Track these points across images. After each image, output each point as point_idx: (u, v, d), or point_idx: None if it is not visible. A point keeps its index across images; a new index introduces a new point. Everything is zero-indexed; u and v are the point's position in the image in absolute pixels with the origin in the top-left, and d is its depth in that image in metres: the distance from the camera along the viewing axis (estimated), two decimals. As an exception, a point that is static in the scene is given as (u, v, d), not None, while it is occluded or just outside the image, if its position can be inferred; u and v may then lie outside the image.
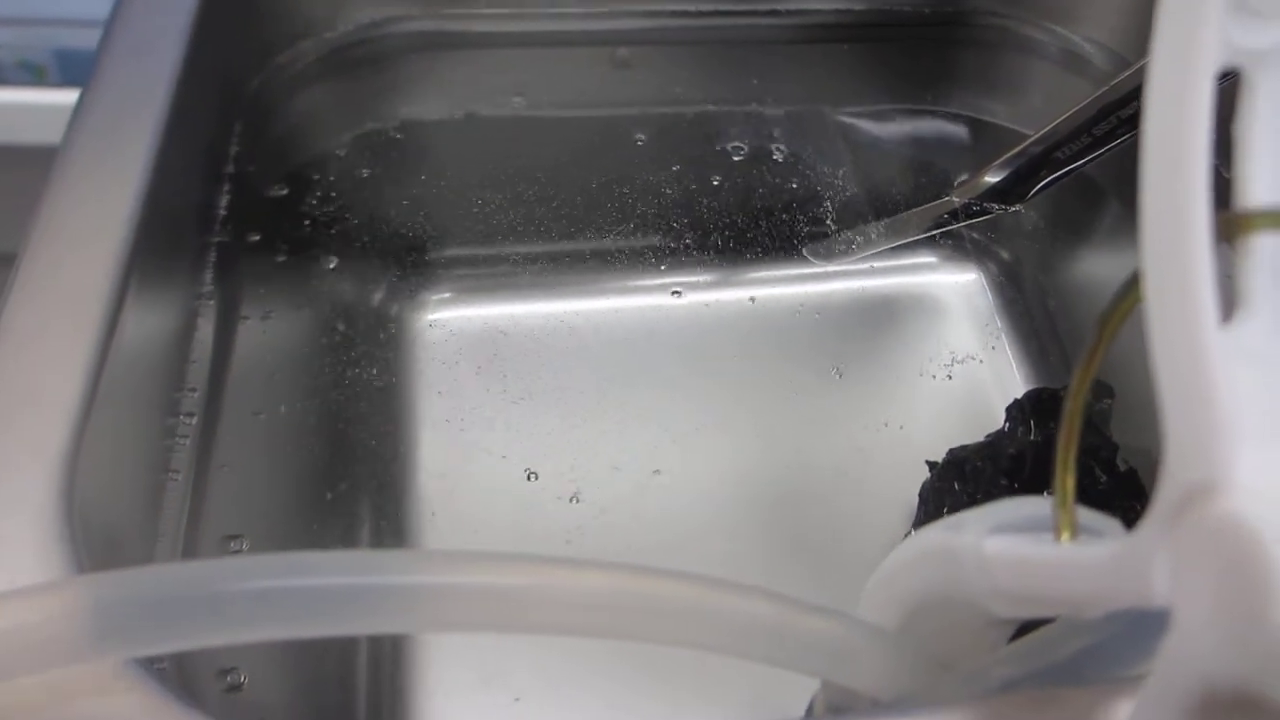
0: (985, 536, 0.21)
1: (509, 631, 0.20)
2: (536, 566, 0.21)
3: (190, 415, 0.31)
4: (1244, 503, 0.15)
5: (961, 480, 0.41)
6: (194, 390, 0.31)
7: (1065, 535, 0.21)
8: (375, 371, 0.46)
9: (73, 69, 0.80)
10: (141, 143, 0.31)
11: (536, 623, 0.20)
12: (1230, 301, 0.18)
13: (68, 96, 0.80)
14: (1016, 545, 0.21)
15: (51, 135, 0.88)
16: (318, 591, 0.19)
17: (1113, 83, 0.35)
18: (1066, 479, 0.21)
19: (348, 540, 0.40)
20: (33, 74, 0.81)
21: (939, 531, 0.23)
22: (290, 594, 0.19)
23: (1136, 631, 0.21)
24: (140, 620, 0.19)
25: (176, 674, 0.24)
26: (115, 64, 0.35)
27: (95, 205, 0.29)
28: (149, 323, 0.30)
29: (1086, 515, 0.21)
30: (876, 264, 0.51)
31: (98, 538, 0.24)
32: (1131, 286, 0.19)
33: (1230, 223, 0.17)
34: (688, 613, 0.21)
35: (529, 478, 0.44)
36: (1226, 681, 0.15)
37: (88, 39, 0.81)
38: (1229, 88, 0.17)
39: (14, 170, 0.77)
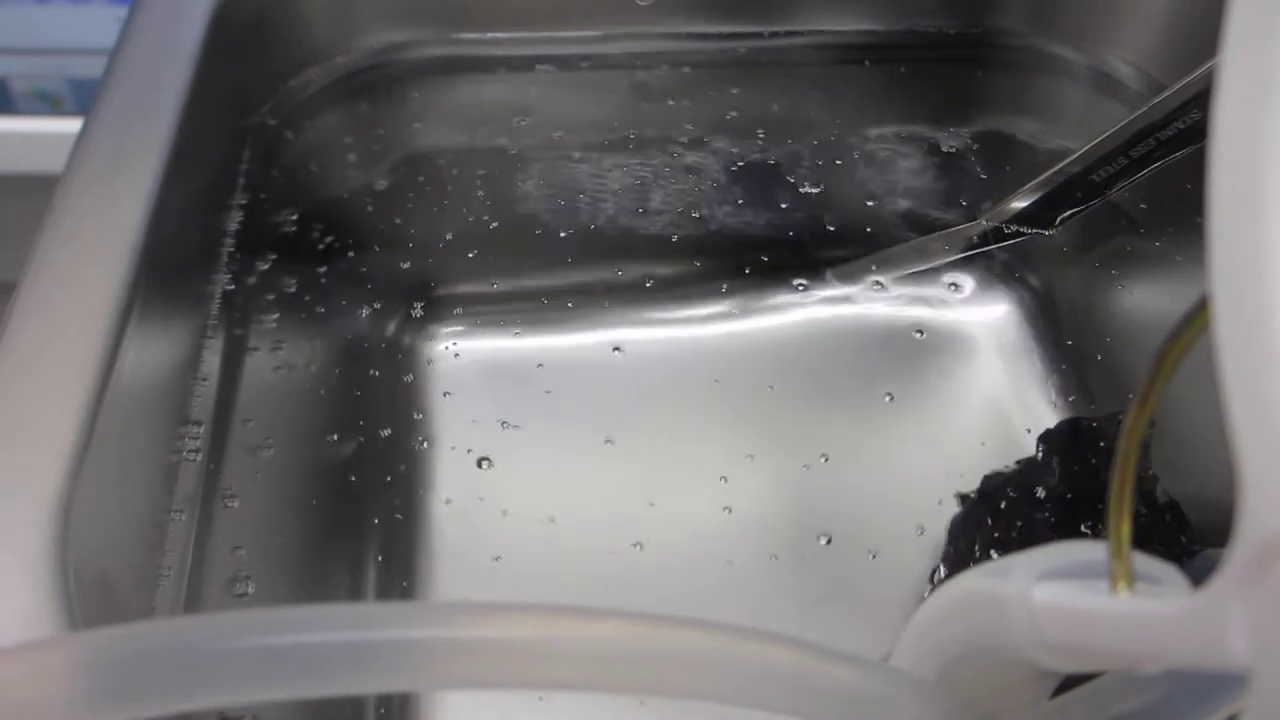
0: (1033, 584, 0.20)
1: (522, 688, 0.19)
2: (548, 618, 0.19)
3: (195, 451, 0.30)
4: (1334, 556, 0.14)
5: (994, 514, 0.40)
6: (199, 424, 0.30)
7: (1122, 585, 0.19)
8: (386, 404, 0.45)
9: (87, 98, 0.80)
10: (146, 170, 0.31)
11: (550, 678, 0.19)
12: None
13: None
14: (1068, 595, 0.19)
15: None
16: (321, 648, 0.18)
17: (1151, 103, 0.33)
18: (1122, 524, 0.19)
19: (356, 577, 0.39)
20: (47, 103, 0.81)
21: (982, 578, 0.21)
22: (291, 651, 0.18)
23: (1200, 690, 0.19)
24: (135, 680, 0.18)
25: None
26: (121, 90, 0.34)
27: (97, 233, 0.29)
28: (152, 355, 0.29)
29: (1143, 562, 0.19)
30: (904, 290, 0.50)
31: (93, 584, 0.22)
32: (1194, 318, 0.17)
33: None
34: (707, 663, 0.20)
35: (544, 511, 0.43)
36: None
37: (101, 68, 0.81)
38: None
39: (28, 199, 0.77)
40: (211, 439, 0.31)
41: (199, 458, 0.30)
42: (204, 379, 0.32)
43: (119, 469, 0.26)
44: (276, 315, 0.37)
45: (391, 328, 0.47)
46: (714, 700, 0.20)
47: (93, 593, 0.22)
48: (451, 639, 0.19)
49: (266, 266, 0.38)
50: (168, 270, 0.30)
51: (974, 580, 0.22)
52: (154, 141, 0.31)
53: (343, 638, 0.18)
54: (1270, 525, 0.15)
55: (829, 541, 0.43)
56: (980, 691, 0.23)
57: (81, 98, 0.81)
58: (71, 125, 0.79)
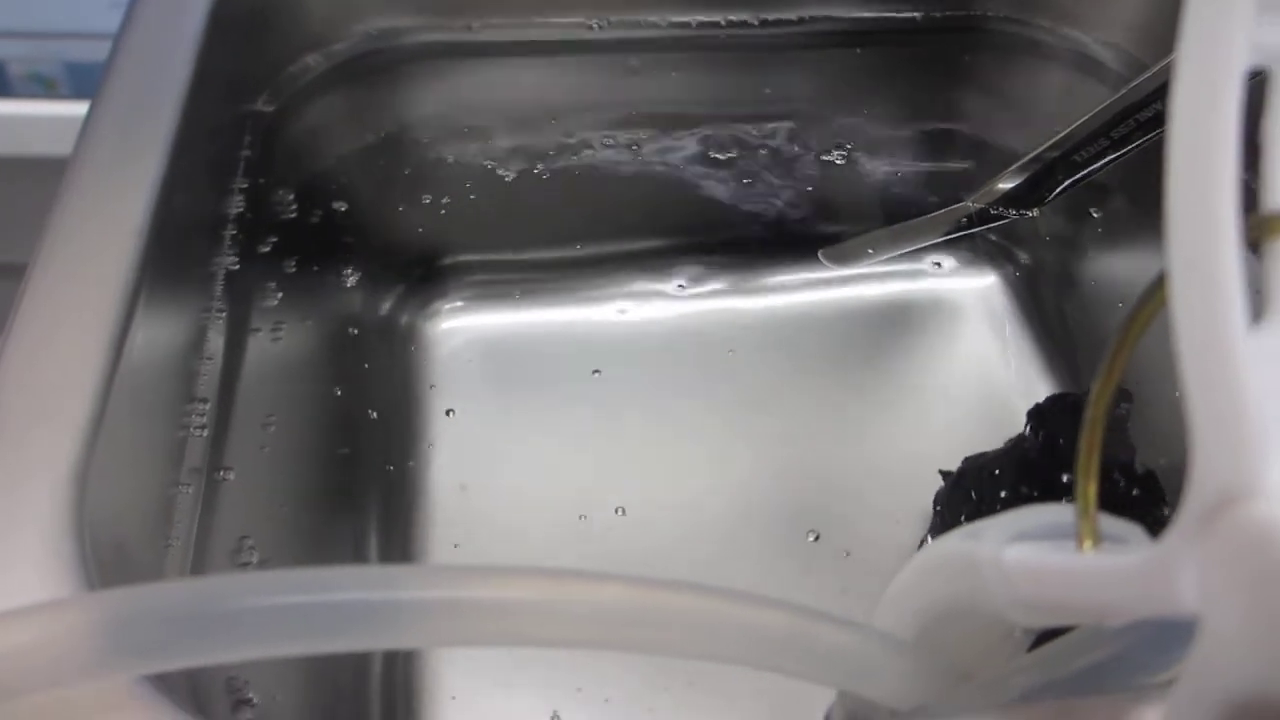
0: (1005, 545, 0.21)
1: (525, 645, 0.20)
2: (550, 580, 0.20)
3: (201, 427, 0.30)
4: (1276, 509, 0.15)
5: (978, 487, 0.41)
6: (204, 401, 0.31)
7: (1088, 543, 0.20)
8: (386, 381, 0.46)
9: (83, 81, 0.81)
10: (151, 155, 0.31)
11: (551, 636, 0.20)
12: (1257, 306, 0.17)
13: (78, 108, 0.80)
14: (1037, 554, 0.20)
15: (62, 147, 0.88)
16: (328, 607, 0.19)
17: (1130, 85, 0.34)
18: (1089, 487, 0.21)
19: (358, 549, 0.40)
20: (43, 86, 0.81)
21: (957, 540, 0.22)
22: (301, 610, 0.19)
23: (1160, 640, 0.20)
24: (150, 637, 0.19)
25: (188, 691, 0.23)
26: (124, 76, 0.35)
27: (105, 217, 0.29)
28: (159, 335, 0.29)
29: (1109, 523, 0.20)
30: (893, 268, 0.51)
31: (108, 549, 0.23)
32: (1155, 291, 0.18)
33: (1257, 225, 0.17)
34: (702, 624, 0.21)
35: (543, 487, 0.44)
36: (1255, 692, 0.15)
37: (98, 52, 0.81)
38: (1255, 88, 0.17)
39: (25, 181, 0.78)
40: (217, 415, 0.32)
41: (205, 433, 0.31)
42: (209, 358, 0.33)
43: (130, 443, 0.26)
44: (278, 295, 0.38)
45: (388, 305, 0.48)
46: (705, 659, 0.22)
47: (107, 558, 0.23)
48: (452, 599, 0.20)
49: (267, 248, 0.39)
50: (173, 253, 0.31)
51: (949, 544, 0.23)
52: (158, 127, 0.32)
53: (352, 597, 0.19)
54: (1215, 484, 0.16)
55: (823, 512, 0.44)
56: (958, 650, 0.24)
57: (77, 81, 0.81)
58: (67, 108, 0.79)
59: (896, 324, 0.50)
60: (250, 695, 0.27)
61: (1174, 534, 0.16)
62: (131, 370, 0.27)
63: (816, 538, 0.43)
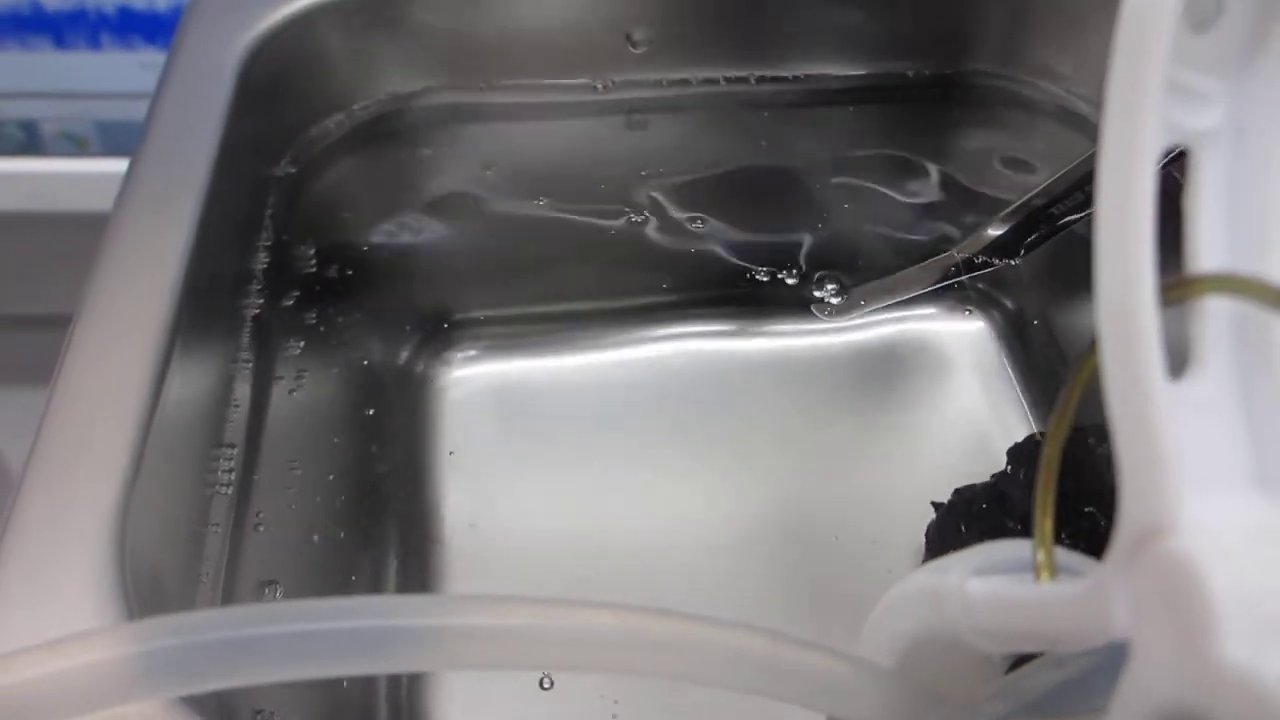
0: (968, 578, 0.23)
1: (523, 668, 0.22)
2: (545, 608, 0.22)
3: (230, 470, 0.33)
4: (1190, 542, 0.17)
5: (967, 521, 0.42)
6: (233, 447, 0.33)
7: (1044, 575, 0.22)
8: (403, 428, 0.48)
9: (113, 139, 0.83)
10: (184, 214, 0.34)
11: (547, 660, 0.22)
12: (1185, 358, 0.19)
13: (108, 165, 0.83)
14: (997, 586, 0.22)
15: (92, 203, 0.91)
16: (345, 634, 0.21)
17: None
18: (1045, 522, 0.22)
19: (377, 586, 0.42)
20: (74, 144, 0.84)
21: (927, 574, 0.24)
22: (320, 637, 0.21)
23: (1113, 665, 0.22)
24: (184, 662, 0.21)
25: (216, 711, 0.25)
26: (159, 139, 0.37)
27: (142, 273, 0.32)
28: (192, 384, 0.32)
29: (1065, 556, 0.22)
30: (883, 315, 0.53)
31: (145, 582, 0.25)
32: (1092, 348, 0.20)
33: (1181, 286, 0.19)
34: (689, 648, 0.23)
35: (551, 525, 0.46)
36: (1177, 708, 0.16)
37: (127, 110, 0.84)
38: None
39: (57, 236, 0.80)
40: (244, 460, 0.34)
41: (233, 475, 0.33)
42: (236, 405, 0.35)
43: (165, 484, 0.29)
44: (300, 345, 0.40)
45: (405, 355, 0.50)
46: (691, 681, 0.23)
47: (145, 590, 0.25)
48: (459, 626, 0.21)
49: (290, 302, 0.41)
50: (204, 306, 0.33)
51: (920, 577, 0.25)
52: (191, 189, 0.35)
53: (366, 624, 0.21)
54: (1138, 521, 0.17)
55: (818, 548, 0.46)
56: (935, 675, 0.26)
57: (107, 139, 0.83)
58: (98, 165, 0.82)
59: (887, 367, 0.52)
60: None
61: (1108, 564, 0.18)
62: (167, 416, 0.29)
63: (815, 573, 0.45)
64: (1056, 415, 0.22)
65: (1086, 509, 0.39)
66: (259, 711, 0.28)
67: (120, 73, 0.80)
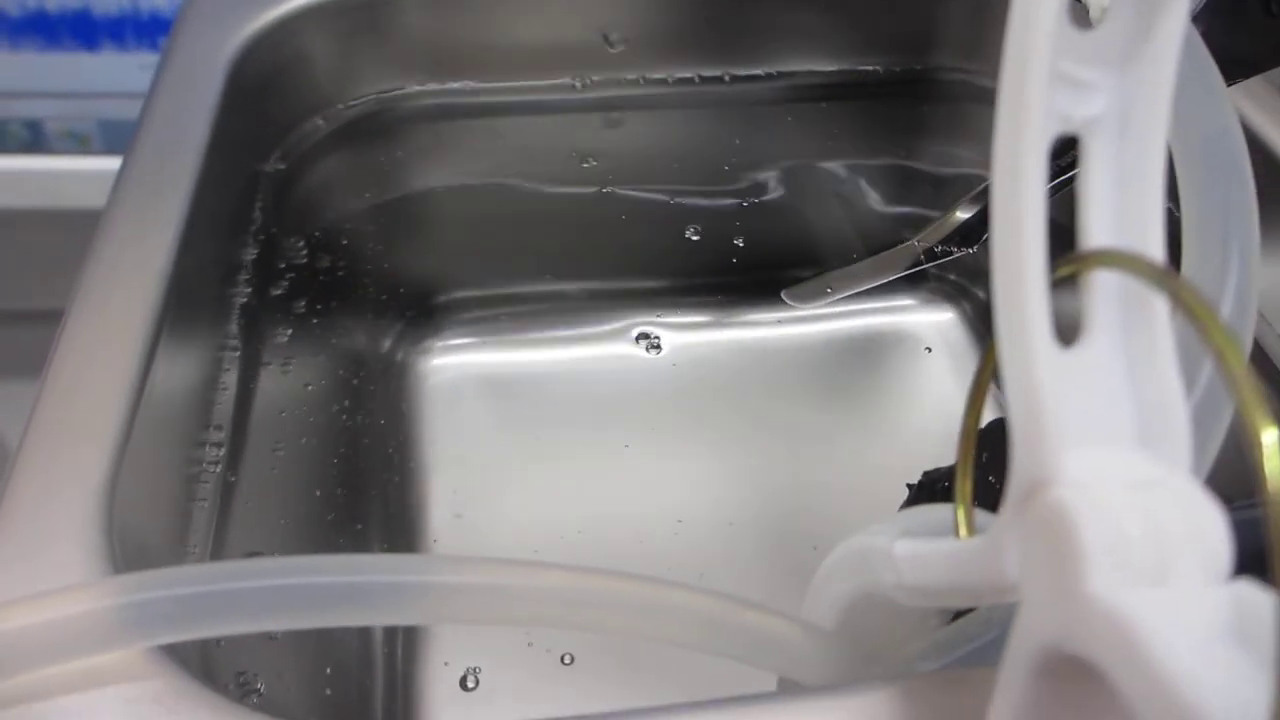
0: (895, 540, 0.25)
1: (489, 624, 0.23)
2: (511, 568, 0.24)
3: (218, 444, 0.34)
4: (1067, 494, 0.18)
5: (933, 500, 0.44)
6: (220, 428, 0.35)
7: (964, 533, 0.24)
8: (385, 412, 0.49)
9: (115, 138, 0.85)
10: (174, 208, 0.35)
11: (512, 616, 0.24)
12: (1078, 327, 0.21)
13: (110, 163, 0.85)
14: (919, 545, 0.24)
15: (95, 200, 0.93)
16: (319, 588, 0.23)
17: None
18: (964, 484, 0.24)
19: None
20: (77, 143, 0.86)
21: (859, 539, 0.26)
22: (296, 590, 0.23)
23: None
24: (164, 613, 0.23)
25: (200, 669, 0.27)
26: (151, 136, 0.39)
27: (133, 263, 0.33)
28: (180, 369, 0.33)
29: (983, 517, 0.24)
30: (859, 305, 0.55)
31: (133, 553, 0.27)
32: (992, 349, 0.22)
33: (1076, 262, 0.21)
34: (637, 606, 0.25)
35: (534, 509, 0.48)
36: (1058, 643, 0.18)
37: (128, 110, 0.86)
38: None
39: (60, 233, 0.82)
40: (231, 441, 0.36)
41: (221, 452, 0.34)
42: (224, 389, 0.37)
43: (153, 462, 0.30)
44: (288, 333, 0.42)
45: (388, 343, 0.52)
46: (641, 638, 0.25)
47: (133, 560, 0.27)
48: (434, 582, 0.23)
49: (279, 291, 0.43)
50: (193, 295, 0.35)
51: (855, 541, 0.26)
52: (180, 183, 0.36)
53: (340, 580, 0.23)
54: (1025, 475, 0.19)
55: (799, 531, 0.48)
56: (871, 635, 0.28)
57: (109, 137, 0.85)
58: (100, 163, 0.84)
59: (864, 356, 0.54)
60: (259, 686, 0.31)
61: (1001, 517, 0.20)
62: (155, 398, 0.31)
63: (793, 552, 0.46)
64: (973, 389, 0.24)
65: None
66: (241, 673, 0.29)
67: (122, 73, 0.82)
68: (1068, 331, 0.21)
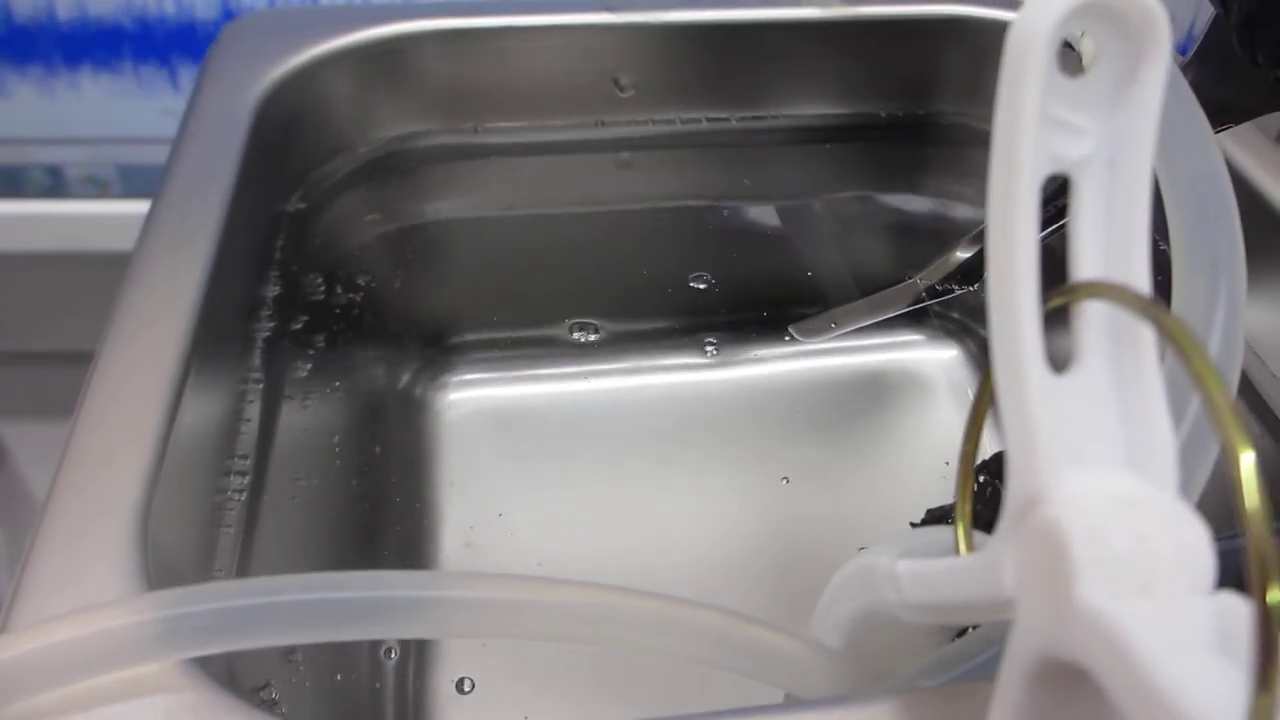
0: (897, 559, 0.26)
1: (501, 636, 0.24)
2: (526, 584, 0.25)
3: (242, 475, 0.35)
4: (1060, 510, 0.19)
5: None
6: (245, 458, 0.36)
7: (964, 550, 0.25)
8: (401, 445, 0.50)
9: (134, 182, 0.87)
10: (202, 248, 0.37)
11: (524, 630, 0.25)
12: (1070, 354, 0.22)
13: (129, 207, 0.87)
14: (920, 564, 0.25)
15: (115, 244, 0.95)
16: (340, 603, 0.24)
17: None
18: (964, 505, 0.25)
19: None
20: (97, 188, 0.87)
21: (864, 558, 0.27)
22: (318, 605, 0.24)
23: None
24: (197, 627, 0.24)
25: (227, 680, 0.28)
26: (180, 178, 0.40)
27: (164, 300, 0.35)
28: (207, 400, 0.35)
29: (981, 538, 0.25)
30: (864, 341, 0.56)
31: (165, 577, 0.28)
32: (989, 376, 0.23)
33: (1067, 293, 0.22)
34: (649, 622, 0.26)
35: (542, 538, 0.49)
36: (1052, 651, 0.19)
37: (148, 155, 0.88)
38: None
39: (81, 275, 0.84)
40: (255, 470, 0.37)
41: (246, 480, 0.36)
42: (248, 420, 0.38)
43: (183, 490, 0.31)
44: (307, 368, 0.43)
45: (405, 378, 0.53)
46: (652, 652, 0.26)
47: (166, 582, 0.28)
48: (449, 598, 0.24)
49: (299, 326, 0.44)
50: (219, 330, 0.36)
51: (859, 561, 0.27)
52: (209, 224, 0.38)
53: (360, 595, 0.24)
54: (1021, 494, 0.20)
55: (804, 566, 0.48)
56: (876, 653, 0.29)
57: (129, 182, 0.87)
58: (119, 207, 0.86)
59: (869, 393, 0.55)
60: (275, 696, 0.32)
61: (999, 533, 0.21)
62: (184, 429, 0.32)
63: (798, 587, 0.47)
64: (971, 416, 0.25)
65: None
66: (260, 688, 0.30)
67: (141, 119, 0.84)
68: (1060, 359, 0.22)
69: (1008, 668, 0.20)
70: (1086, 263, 0.22)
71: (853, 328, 0.50)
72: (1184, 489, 0.22)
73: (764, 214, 0.56)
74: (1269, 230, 0.42)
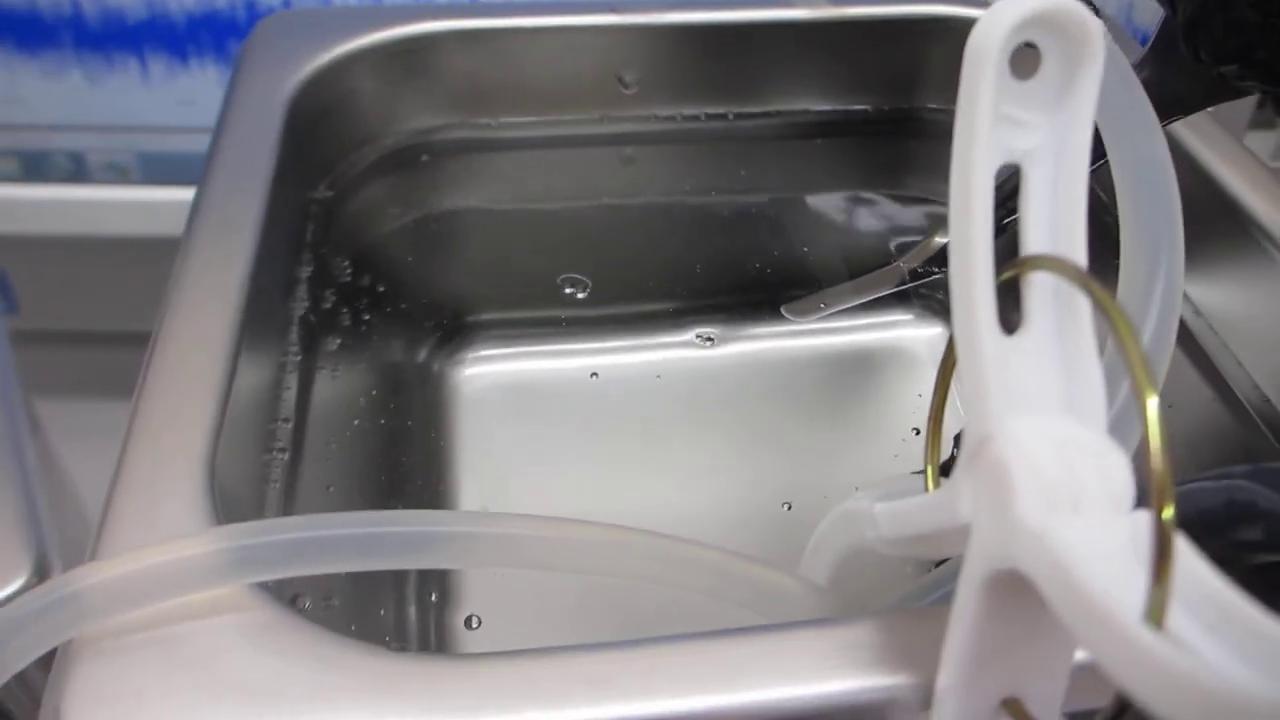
0: (875, 502, 0.29)
1: (527, 568, 0.28)
2: (553, 523, 0.29)
3: (284, 438, 0.39)
4: (1006, 448, 0.23)
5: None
6: (287, 421, 0.40)
7: (931, 487, 0.29)
8: (421, 416, 0.54)
9: (152, 169, 0.90)
10: (247, 232, 0.40)
11: (552, 562, 0.28)
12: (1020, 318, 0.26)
13: (148, 193, 0.90)
14: (894, 504, 0.29)
15: (134, 228, 0.97)
16: (388, 536, 0.28)
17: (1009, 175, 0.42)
18: (934, 452, 0.29)
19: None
20: (118, 174, 0.90)
21: (847, 504, 0.31)
22: (369, 538, 0.28)
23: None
24: (262, 556, 0.27)
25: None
26: (221, 168, 0.44)
27: (214, 283, 0.38)
28: (255, 369, 0.38)
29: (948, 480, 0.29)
30: (853, 321, 0.60)
31: (230, 515, 0.32)
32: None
33: (1019, 264, 0.26)
34: (656, 557, 0.29)
35: (555, 506, 0.52)
36: (999, 563, 0.23)
37: (166, 143, 0.91)
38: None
39: (104, 258, 0.87)
40: (294, 434, 0.40)
41: (287, 442, 0.39)
42: (288, 389, 0.41)
43: (238, 445, 0.35)
44: (337, 342, 0.47)
45: (424, 353, 0.57)
46: (658, 584, 0.30)
47: (230, 520, 0.31)
48: (484, 533, 0.28)
49: (328, 305, 0.48)
50: (263, 307, 0.40)
51: (843, 506, 0.31)
52: (251, 211, 0.41)
53: (399, 530, 0.27)
54: (974, 435, 0.24)
55: (801, 534, 0.52)
56: (858, 588, 0.32)
57: (148, 169, 0.89)
58: (139, 193, 0.89)
59: (858, 368, 0.59)
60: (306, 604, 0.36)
61: (958, 469, 0.25)
62: (239, 393, 0.35)
63: (788, 539, 0.51)
64: (940, 372, 0.29)
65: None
66: (296, 596, 0.34)
67: (160, 109, 0.86)
68: (1011, 322, 0.25)
69: (964, 581, 0.24)
70: (1034, 239, 0.26)
71: (842, 308, 0.53)
72: (1118, 432, 0.26)
73: (759, 204, 0.59)
74: (1225, 216, 0.46)
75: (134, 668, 0.26)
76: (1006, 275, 0.25)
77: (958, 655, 0.24)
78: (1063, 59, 0.25)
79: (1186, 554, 0.20)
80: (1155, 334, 0.30)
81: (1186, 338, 0.47)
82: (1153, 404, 0.21)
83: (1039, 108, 0.25)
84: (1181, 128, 0.47)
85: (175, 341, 0.36)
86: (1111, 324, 0.22)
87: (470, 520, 0.28)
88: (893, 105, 0.57)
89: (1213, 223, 0.46)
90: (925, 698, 0.26)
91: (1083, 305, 0.25)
